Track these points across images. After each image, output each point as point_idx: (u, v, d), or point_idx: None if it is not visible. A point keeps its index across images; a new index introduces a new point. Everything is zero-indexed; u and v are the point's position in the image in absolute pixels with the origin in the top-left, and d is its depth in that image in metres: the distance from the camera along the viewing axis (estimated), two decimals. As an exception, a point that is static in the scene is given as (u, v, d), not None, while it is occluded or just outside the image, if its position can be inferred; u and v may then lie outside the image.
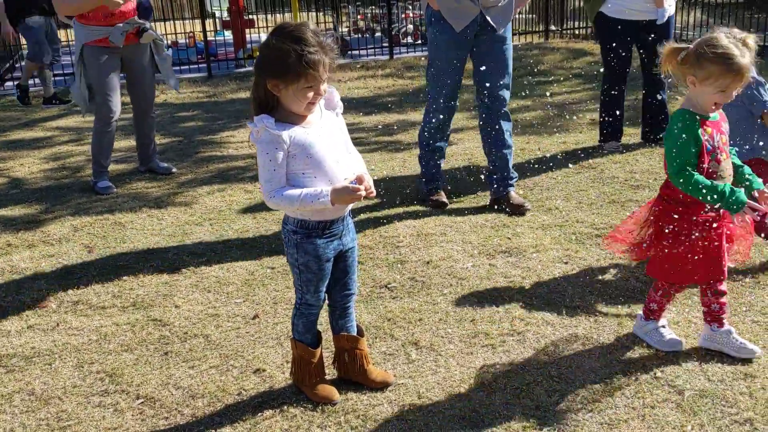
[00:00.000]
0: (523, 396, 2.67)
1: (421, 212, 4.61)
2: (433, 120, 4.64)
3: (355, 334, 2.78)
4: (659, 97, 5.81)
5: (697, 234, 2.73)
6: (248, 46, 11.56)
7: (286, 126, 2.40)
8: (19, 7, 8.22)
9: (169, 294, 3.62)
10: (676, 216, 2.74)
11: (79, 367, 3.00)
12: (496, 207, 4.61)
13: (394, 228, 4.35)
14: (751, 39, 2.63)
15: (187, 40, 12.56)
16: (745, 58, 2.59)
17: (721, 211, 2.72)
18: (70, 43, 10.21)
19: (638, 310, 3.27)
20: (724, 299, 2.89)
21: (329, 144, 2.47)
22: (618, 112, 5.79)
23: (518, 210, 4.51)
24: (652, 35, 5.50)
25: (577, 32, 12.91)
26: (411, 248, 4.04)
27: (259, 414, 2.63)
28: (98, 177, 5.37)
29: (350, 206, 2.59)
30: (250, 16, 13.28)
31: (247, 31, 11.90)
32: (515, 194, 4.63)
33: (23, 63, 11.95)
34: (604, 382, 2.74)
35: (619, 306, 3.31)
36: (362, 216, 4.58)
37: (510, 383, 2.75)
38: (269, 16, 15.50)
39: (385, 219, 4.51)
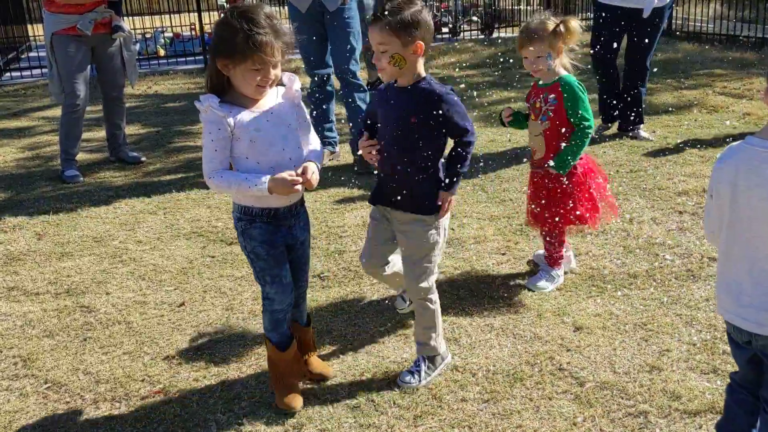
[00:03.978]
0: (421, 386, 2.66)
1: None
2: (312, 85, 5.44)
3: (303, 323, 2.75)
4: (638, 89, 5.72)
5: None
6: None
7: (234, 108, 2.36)
8: None
9: (103, 281, 3.65)
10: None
11: (-3, 351, 3.05)
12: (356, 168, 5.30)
13: (342, 218, 4.35)
14: (572, 21, 3.11)
15: (191, 32, 12.63)
16: (539, 31, 3.11)
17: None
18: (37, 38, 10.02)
19: (564, 302, 3.25)
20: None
21: (277, 131, 2.42)
22: (606, 98, 5.84)
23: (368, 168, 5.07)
24: (641, 25, 5.46)
25: (582, 24, 12.77)
26: (353, 238, 4.03)
27: (156, 399, 2.65)
28: (66, 166, 5.42)
29: (298, 196, 2.52)
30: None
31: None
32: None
33: (29, 54, 12.13)
34: (507, 373, 2.72)
35: (543, 298, 3.28)
36: (312, 205, 4.58)
37: (412, 373, 2.74)
38: (275, 7, 15.55)
39: (336, 209, 4.51)
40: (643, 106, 5.83)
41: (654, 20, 5.48)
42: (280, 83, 2.49)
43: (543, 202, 3.25)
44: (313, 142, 2.58)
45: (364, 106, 5.32)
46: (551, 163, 3.17)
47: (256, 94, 2.39)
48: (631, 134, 5.74)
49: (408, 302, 2.98)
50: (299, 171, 2.40)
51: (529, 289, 3.33)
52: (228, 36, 2.29)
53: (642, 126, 5.82)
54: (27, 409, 2.65)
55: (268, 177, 2.35)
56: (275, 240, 2.50)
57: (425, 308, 2.69)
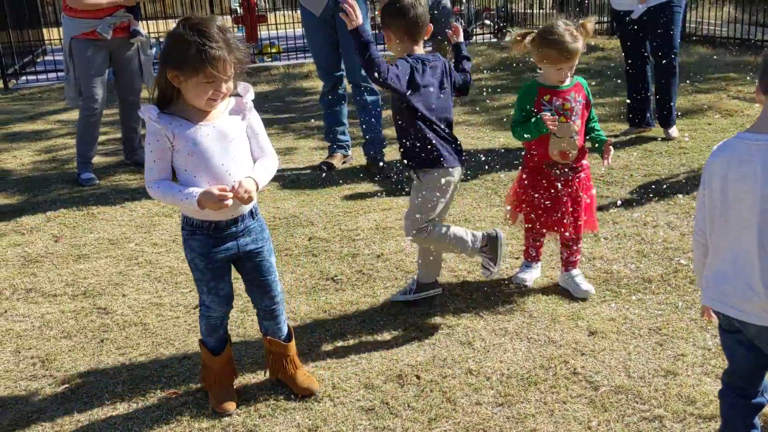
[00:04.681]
0: (435, 389, 2.67)
1: (386, 205, 4.61)
2: (324, 88, 5.53)
3: (282, 338, 2.69)
4: (665, 89, 5.74)
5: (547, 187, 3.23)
6: (259, 42, 11.66)
7: (175, 119, 2.34)
8: None
9: (120, 283, 3.69)
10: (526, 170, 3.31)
11: (16, 352, 3.08)
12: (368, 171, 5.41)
13: (355, 221, 4.37)
14: (590, 23, 3.09)
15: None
16: (577, 43, 3.04)
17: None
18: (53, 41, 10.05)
19: (578, 306, 3.25)
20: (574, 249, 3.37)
21: (216, 145, 2.38)
22: (639, 102, 5.87)
23: (382, 172, 5.31)
24: (652, 26, 5.49)
25: (596, 27, 12.75)
26: (366, 242, 4.05)
27: (173, 400, 2.68)
28: (82, 168, 5.48)
29: (247, 207, 2.48)
30: (261, 12, 13.36)
31: (259, 26, 11.99)
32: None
33: (45, 58, 12.23)
34: (522, 377, 2.72)
35: (557, 302, 3.28)
36: (326, 208, 4.61)
37: (426, 376, 2.75)
38: (289, 12, 15.60)
39: (349, 211, 4.53)
40: (669, 105, 5.80)
41: (661, 19, 5.47)
42: (235, 93, 2.45)
43: (573, 206, 3.23)
44: (267, 153, 2.53)
45: (376, 110, 5.38)
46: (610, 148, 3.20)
47: (206, 107, 2.37)
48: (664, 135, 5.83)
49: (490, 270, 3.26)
50: (236, 186, 2.35)
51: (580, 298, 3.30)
52: (180, 48, 2.26)
53: (671, 126, 5.86)
54: (45, 409, 2.67)
55: (199, 191, 2.32)
56: (214, 254, 2.48)
57: (434, 246, 3.16)
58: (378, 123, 5.44)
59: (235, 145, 2.43)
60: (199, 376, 2.74)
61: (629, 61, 5.74)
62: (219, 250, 2.49)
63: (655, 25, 5.48)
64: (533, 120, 3.12)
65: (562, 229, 3.27)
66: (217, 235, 2.47)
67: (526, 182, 3.29)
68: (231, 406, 2.59)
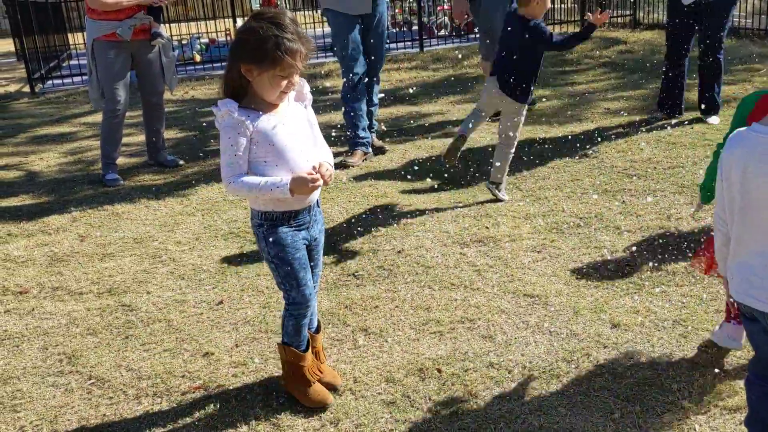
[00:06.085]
0: (456, 383, 2.67)
1: (406, 202, 4.61)
2: (348, 85, 5.59)
3: (312, 329, 2.72)
4: (710, 78, 5.81)
5: None
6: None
7: (251, 112, 2.37)
8: None
9: (144, 281, 3.73)
10: None
11: (43, 349, 3.13)
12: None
13: (375, 218, 4.37)
14: None
15: (226, 38, 12.81)
16: None
17: None
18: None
19: (601, 298, 3.22)
20: None
21: (294, 134, 2.43)
22: (676, 91, 5.90)
23: (379, 150, 5.82)
24: (704, 18, 5.50)
25: (618, 20, 12.62)
26: (387, 237, 4.05)
27: (197, 395, 2.70)
28: (107, 169, 5.54)
29: (316, 196, 2.54)
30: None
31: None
32: (376, 138, 5.95)
33: (70, 63, 12.40)
34: (543, 370, 2.71)
35: (579, 295, 3.26)
36: (346, 205, 4.62)
37: (447, 370, 2.75)
38: (309, 12, 15.66)
39: (369, 208, 4.54)
40: (715, 96, 5.87)
41: (716, 12, 5.48)
42: None
43: None
44: (320, 143, 2.59)
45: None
46: None
47: (278, 99, 2.40)
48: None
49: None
50: (317, 167, 2.42)
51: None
52: (256, 42, 2.28)
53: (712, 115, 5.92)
54: (72, 404, 2.72)
55: (289, 178, 2.36)
56: (298, 243, 2.50)
57: None
58: (376, 107, 5.95)
59: (307, 133, 2.50)
60: (284, 381, 2.66)
61: (673, 48, 5.79)
62: (299, 239, 2.50)
63: (710, 16, 5.47)
64: None
65: None
66: (296, 224, 2.49)
67: None
68: (328, 397, 2.59)
